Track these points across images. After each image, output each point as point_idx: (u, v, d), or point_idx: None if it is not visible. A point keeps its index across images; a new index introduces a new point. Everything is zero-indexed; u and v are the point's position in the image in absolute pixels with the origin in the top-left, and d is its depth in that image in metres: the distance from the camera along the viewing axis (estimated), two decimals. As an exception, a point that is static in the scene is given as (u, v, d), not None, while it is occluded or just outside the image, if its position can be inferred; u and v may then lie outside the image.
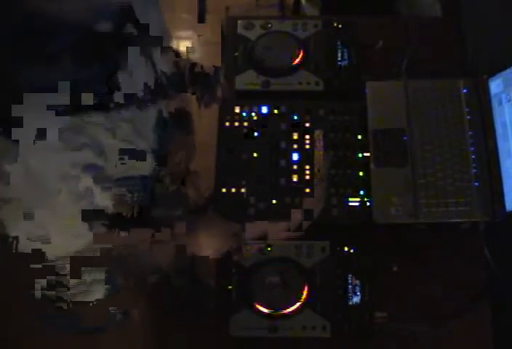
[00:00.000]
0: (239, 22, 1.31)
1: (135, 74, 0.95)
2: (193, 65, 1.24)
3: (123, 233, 1.00)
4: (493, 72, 1.15)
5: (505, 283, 1.07)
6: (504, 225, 1.08)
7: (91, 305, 1.09)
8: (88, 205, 0.91)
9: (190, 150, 1.20)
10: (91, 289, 1.09)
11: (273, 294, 1.05)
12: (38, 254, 0.93)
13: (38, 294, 1.08)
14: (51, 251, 0.94)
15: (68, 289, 1.07)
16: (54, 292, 1.08)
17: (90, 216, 0.93)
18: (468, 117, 1.16)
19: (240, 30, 1.30)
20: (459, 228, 1.12)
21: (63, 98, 0.82)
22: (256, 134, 1.20)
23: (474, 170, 1.12)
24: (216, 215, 1.12)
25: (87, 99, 0.85)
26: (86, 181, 0.90)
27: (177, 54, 1.15)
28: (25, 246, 0.92)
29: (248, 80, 1.25)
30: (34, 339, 1.08)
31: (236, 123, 1.21)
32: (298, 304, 1.04)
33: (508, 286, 1.06)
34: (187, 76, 1.21)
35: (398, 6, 1.68)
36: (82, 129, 0.87)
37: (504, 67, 1.12)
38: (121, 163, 0.95)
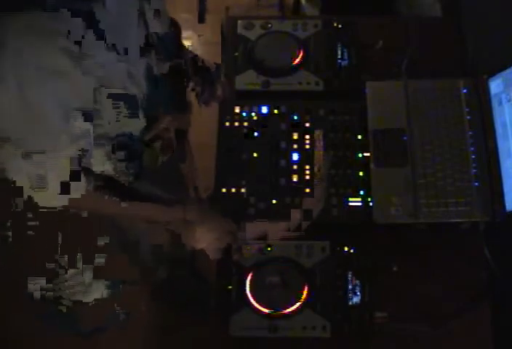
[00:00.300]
0: (239, 22, 1.31)
1: (125, 27, 0.94)
2: (195, 57, 1.23)
3: (124, 204, 1.00)
4: (493, 72, 1.15)
5: (505, 283, 1.07)
6: (504, 225, 1.08)
7: (90, 304, 1.09)
8: (87, 145, 0.92)
9: (183, 123, 1.19)
10: (90, 289, 1.10)
11: (273, 294, 1.05)
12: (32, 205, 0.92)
13: (37, 294, 1.08)
14: (46, 201, 0.94)
15: (66, 272, 1.08)
16: (52, 286, 1.08)
17: (84, 171, 0.94)
18: (468, 117, 1.16)
19: (240, 30, 1.30)
20: (459, 228, 1.12)
21: (62, 21, 0.82)
22: (256, 134, 1.20)
23: (474, 170, 1.12)
24: (213, 209, 1.12)
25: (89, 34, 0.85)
26: (84, 124, 0.89)
27: (172, 20, 1.14)
28: (23, 192, 0.92)
29: (248, 80, 1.25)
30: (34, 339, 1.08)
31: (236, 123, 1.21)
32: (298, 304, 1.04)
33: (508, 286, 1.06)
34: (188, 69, 1.20)
35: (398, 6, 1.68)
36: (80, 58, 0.85)
37: (504, 67, 1.12)
38: (116, 111, 0.94)
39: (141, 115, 0.99)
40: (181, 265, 1.24)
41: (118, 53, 0.91)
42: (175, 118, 1.11)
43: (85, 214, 1.01)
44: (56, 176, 0.92)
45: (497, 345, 1.05)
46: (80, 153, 0.92)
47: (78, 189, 0.94)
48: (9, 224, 1.06)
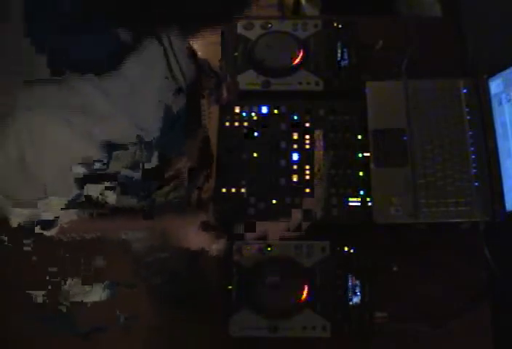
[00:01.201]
0: (239, 22, 1.31)
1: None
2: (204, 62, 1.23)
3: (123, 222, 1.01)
4: (493, 72, 1.15)
5: (505, 283, 1.07)
6: (504, 225, 1.08)
7: (89, 305, 1.09)
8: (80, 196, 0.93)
9: (207, 166, 1.18)
10: (89, 293, 1.10)
11: (273, 294, 1.05)
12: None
13: (39, 299, 1.09)
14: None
15: (65, 283, 1.08)
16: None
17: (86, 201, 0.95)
18: (468, 117, 1.16)
19: (240, 30, 1.30)
20: (459, 228, 1.12)
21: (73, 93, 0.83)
22: (256, 134, 1.20)
23: (474, 170, 1.12)
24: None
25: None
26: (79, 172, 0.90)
27: (193, 52, 1.13)
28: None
29: (248, 80, 1.25)
30: (34, 339, 1.08)
31: (236, 123, 1.21)
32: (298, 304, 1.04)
33: (508, 286, 1.06)
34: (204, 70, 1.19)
35: (398, 6, 1.68)
36: (87, 132, 0.87)
37: (504, 67, 1.12)
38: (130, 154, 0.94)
39: (153, 158, 0.99)
40: (179, 266, 1.24)
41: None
42: (189, 156, 1.11)
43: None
44: (48, 213, 0.94)
45: (497, 344, 1.05)
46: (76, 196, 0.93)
47: (68, 216, 0.96)
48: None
